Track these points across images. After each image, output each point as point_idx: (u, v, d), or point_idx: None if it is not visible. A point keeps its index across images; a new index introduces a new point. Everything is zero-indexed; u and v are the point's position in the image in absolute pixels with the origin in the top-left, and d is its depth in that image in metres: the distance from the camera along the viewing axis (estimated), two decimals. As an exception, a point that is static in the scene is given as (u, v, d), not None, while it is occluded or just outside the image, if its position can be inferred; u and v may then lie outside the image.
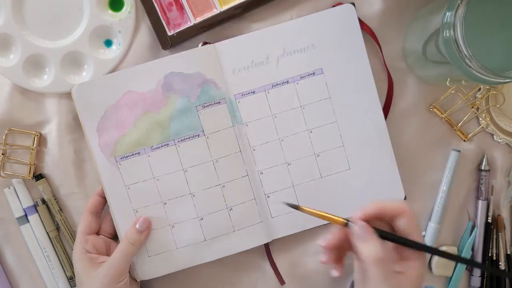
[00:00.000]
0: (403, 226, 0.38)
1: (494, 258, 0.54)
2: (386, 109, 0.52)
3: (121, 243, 0.48)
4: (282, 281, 0.53)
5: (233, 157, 0.50)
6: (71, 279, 0.53)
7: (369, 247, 0.37)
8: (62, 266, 0.53)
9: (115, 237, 0.52)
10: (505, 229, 0.54)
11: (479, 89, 0.53)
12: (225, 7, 0.50)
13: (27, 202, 0.53)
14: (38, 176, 0.52)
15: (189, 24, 0.51)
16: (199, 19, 0.51)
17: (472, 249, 0.54)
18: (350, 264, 0.44)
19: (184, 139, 0.50)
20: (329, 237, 0.41)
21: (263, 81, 0.51)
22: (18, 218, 0.53)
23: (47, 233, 0.53)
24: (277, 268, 0.53)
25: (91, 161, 0.52)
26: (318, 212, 0.41)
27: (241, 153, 0.51)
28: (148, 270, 0.51)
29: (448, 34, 0.42)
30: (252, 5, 0.50)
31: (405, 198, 0.52)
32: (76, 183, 0.52)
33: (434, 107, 0.53)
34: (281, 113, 0.51)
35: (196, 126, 0.50)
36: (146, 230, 0.49)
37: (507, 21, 0.42)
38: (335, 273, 0.43)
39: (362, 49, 0.50)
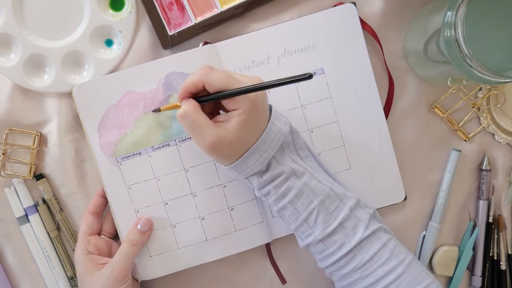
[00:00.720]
0: (210, 91, 0.41)
1: (495, 258, 0.54)
2: (386, 109, 0.52)
3: (123, 244, 0.48)
4: (283, 281, 0.53)
5: None
6: (71, 279, 0.53)
7: (179, 111, 0.42)
8: (63, 266, 0.53)
9: (116, 237, 0.52)
10: (506, 229, 0.54)
11: (480, 89, 0.53)
12: (225, 7, 0.50)
13: (28, 202, 0.52)
14: (39, 176, 0.52)
15: (190, 23, 0.51)
16: (199, 19, 0.51)
17: (473, 249, 0.54)
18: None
19: (185, 139, 0.50)
20: None
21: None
22: (19, 218, 0.53)
23: (48, 233, 0.53)
24: (278, 268, 0.53)
25: (91, 161, 0.52)
26: (172, 105, 0.46)
27: None
28: (150, 270, 0.51)
29: (449, 34, 0.42)
30: (253, 5, 0.50)
31: (405, 199, 0.52)
32: (77, 183, 0.52)
33: (435, 107, 0.53)
34: (282, 113, 0.51)
35: None
36: (148, 230, 0.49)
37: (508, 21, 0.42)
38: None
39: (363, 49, 0.50)
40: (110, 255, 0.50)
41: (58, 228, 0.53)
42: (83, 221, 0.49)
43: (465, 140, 0.54)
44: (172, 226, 0.51)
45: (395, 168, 0.52)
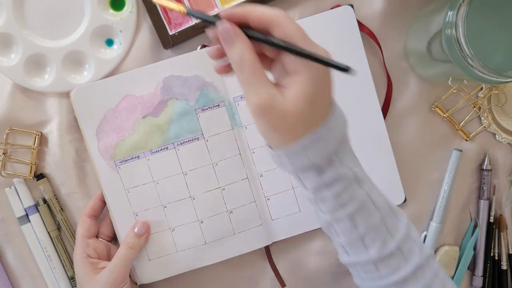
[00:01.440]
0: (276, 34, 0.32)
1: (496, 258, 0.54)
2: (385, 110, 0.52)
3: (121, 247, 0.48)
4: (282, 284, 0.53)
5: (233, 160, 0.50)
6: (72, 279, 0.53)
7: (231, 46, 0.32)
8: (63, 266, 0.53)
9: (114, 239, 0.52)
10: (507, 228, 0.54)
11: (481, 89, 0.53)
12: (226, 7, 0.50)
13: (28, 202, 0.52)
14: (39, 176, 0.52)
15: (191, 23, 0.51)
16: (200, 19, 0.50)
17: (474, 249, 0.54)
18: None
19: (184, 143, 0.50)
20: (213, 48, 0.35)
21: None
22: (19, 218, 0.53)
23: (48, 232, 0.53)
24: (277, 271, 0.53)
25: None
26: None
27: (241, 156, 0.51)
28: (149, 273, 0.51)
29: (450, 33, 0.42)
30: (254, 5, 0.50)
31: (405, 200, 0.52)
32: (77, 183, 0.52)
33: (436, 107, 0.53)
34: None
35: (195, 129, 0.50)
36: (145, 233, 0.49)
37: (509, 20, 0.42)
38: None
39: (361, 51, 0.50)
40: (109, 258, 0.50)
41: (59, 228, 0.53)
42: (81, 224, 0.49)
43: (466, 140, 0.54)
44: (171, 230, 0.51)
45: (394, 170, 0.51)
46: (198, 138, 0.50)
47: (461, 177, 0.54)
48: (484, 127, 0.53)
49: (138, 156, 0.50)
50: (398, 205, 0.52)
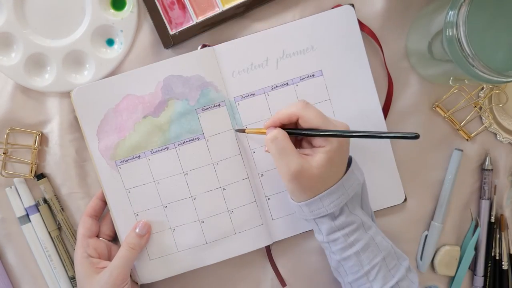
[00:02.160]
0: (302, 125, 0.43)
1: (497, 258, 0.54)
2: (385, 110, 0.52)
3: (122, 248, 0.48)
4: (283, 283, 0.53)
5: (234, 159, 0.50)
6: (72, 279, 0.53)
7: (269, 134, 0.43)
8: (64, 266, 0.53)
9: (114, 239, 0.52)
10: (508, 228, 0.54)
11: (482, 88, 0.53)
12: (227, 6, 0.50)
13: (29, 202, 0.52)
14: (40, 176, 0.52)
15: (191, 23, 0.51)
16: (201, 18, 0.50)
17: (475, 249, 0.54)
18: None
19: (184, 142, 0.50)
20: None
21: (262, 83, 0.50)
22: (20, 218, 0.52)
23: (49, 232, 0.53)
24: (278, 270, 0.53)
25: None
26: (257, 130, 0.47)
27: (242, 156, 0.51)
28: (149, 273, 0.51)
29: (451, 33, 0.42)
30: (254, 4, 0.50)
31: (405, 200, 0.52)
32: (78, 183, 0.52)
33: (437, 106, 0.53)
34: None
35: (196, 129, 0.50)
36: (146, 234, 0.49)
37: (510, 20, 0.42)
38: None
39: (361, 50, 0.50)
40: (109, 258, 0.50)
41: (59, 228, 0.53)
42: (82, 224, 0.49)
43: (467, 140, 0.54)
44: (171, 229, 0.51)
45: (394, 169, 0.51)
46: (198, 138, 0.50)
47: (462, 177, 0.54)
48: (485, 127, 0.53)
49: (139, 156, 0.50)
50: (398, 205, 0.52)
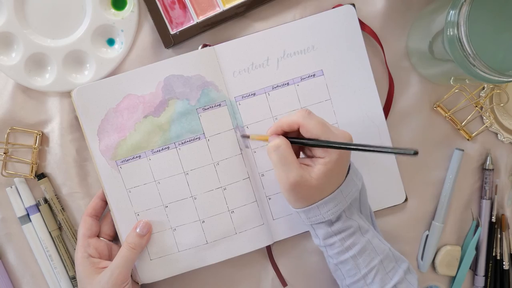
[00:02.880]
0: (303, 134, 0.43)
1: (498, 258, 0.54)
2: (386, 110, 0.52)
3: (122, 247, 0.48)
4: (284, 283, 0.53)
5: (234, 159, 0.50)
6: (73, 278, 0.53)
7: (271, 143, 0.43)
8: (64, 266, 0.53)
9: (115, 239, 0.52)
10: (509, 228, 0.54)
11: (483, 88, 0.53)
12: (227, 6, 0.50)
13: (29, 202, 0.52)
14: (40, 175, 0.52)
15: (192, 22, 0.50)
16: (201, 18, 0.50)
17: (476, 249, 0.54)
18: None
19: (185, 142, 0.50)
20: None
21: (263, 83, 0.50)
22: (20, 218, 0.52)
23: (49, 232, 0.53)
24: (279, 270, 0.53)
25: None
26: (261, 137, 0.48)
27: (242, 156, 0.50)
28: (150, 273, 0.51)
29: (452, 33, 0.42)
30: (255, 4, 0.50)
31: (406, 200, 0.52)
32: (78, 182, 0.52)
33: (438, 106, 0.53)
34: (281, 115, 0.51)
35: (196, 128, 0.50)
36: (146, 234, 0.49)
37: (511, 20, 0.42)
38: None
39: (362, 50, 0.50)
40: (110, 257, 0.50)
41: (60, 228, 0.53)
42: (82, 224, 0.49)
43: (468, 140, 0.53)
44: (172, 229, 0.50)
45: (395, 169, 0.51)
46: (199, 138, 0.50)
47: (463, 177, 0.54)
48: (486, 126, 0.53)
49: (140, 156, 0.50)
50: (399, 204, 0.52)
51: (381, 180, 0.52)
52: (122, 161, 0.50)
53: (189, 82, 0.49)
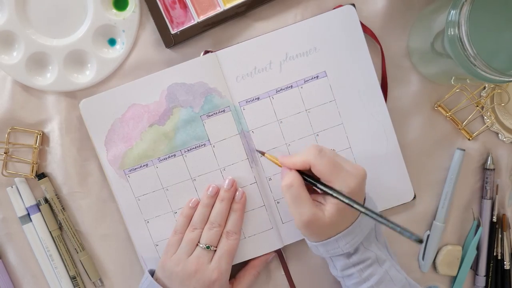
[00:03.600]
0: (314, 173, 0.43)
1: (499, 258, 0.54)
2: None
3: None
4: (293, 287, 0.53)
5: (241, 164, 0.50)
6: (74, 278, 0.53)
7: (283, 178, 0.44)
8: (65, 266, 0.53)
9: None
10: (510, 228, 0.54)
11: (484, 88, 0.53)
12: (228, 5, 0.50)
13: (30, 201, 0.52)
14: (41, 175, 0.52)
15: (193, 22, 0.50)
16: (202, 17, 0.50)
17: (477, 249, 0.54)
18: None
19: (191, 149, 0.50)
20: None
21: (267, 87, 0.50)
22: (21, 217, 0.52)
23: (50, 232, 0.53)
24: (289, 274, 0.53)
25: (93, 160, 0.52)
26: (274, 160, 0.48)
27: (249, 160, 0.50)
28: None
29: (452, 33, 0.42)
30: (256, 3, 0.50)
31: (414, 198, 0.52)
32: (79, 182, 0.52)
33: (439, 106, 0.53)
34: (286, 118, 0.51)
35: (201, 135, 0.50)
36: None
37: (512, 19, 0.42)
38: None
39: (364, 49, 0.50)
40: None
41: (60, 228, 0.53)
42: None
43: (469, 139, 0.53)
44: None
45: (402, 167, 0.51)
46: (204, 145, 0.50)
47: (464, 177, 0.54)
48: (487, 126, 0.53)
49: (147, 164, 0.50)
50: (408, 202, 0.52)
51: (389, 179, 0.51)
52: (130, 170, 0.50)
53: (192, 90, 0.50)
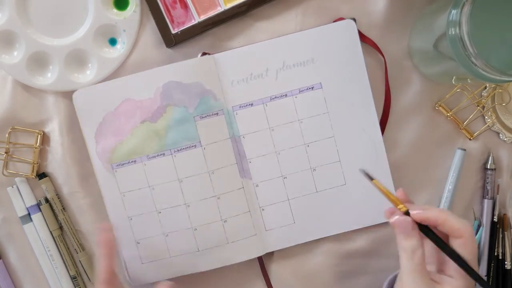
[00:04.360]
0: (456, 247, 0.38)
1: (500, 258, 0.54)
2: (383, 124, 0.52)
3: None
4: None
5: (229, 169, 0.50)
6: (74, 278, 0.53)
7: (407, 239, 0.38)
8: (66, 265, 0.53)
9: None
10: (511, 228, 0.54)
11: (485, 88, 0.53)
12: (229, 5, 0.50)
13: (30, 201, 0.52)
14: (41, 175, 0.52)
15: (193, 22, 0.50)
16: (203, 17, 0.50)
17: (478, 248, 0.54)
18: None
19: (181, 149, 0.50)
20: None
21: (261, 94, 0.50)
22: (21, 217, 0.52)
23: (50, 232, 0.53)
24: (269, 281, 0.52)
25: (94, 161, 0.52)
26: (386, 191, 0.41)
27: (237, 166, 0.50)
28: (141, 276, 0.51)
29: (453, 32, 0.41)
30: (257, 3, 0.50)
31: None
32: (79, 182, 0.52)
33: (440, 106, 0.53)
34: (278, 126, 0.51)
35: (193, 136, 0.50)
36: None
37: (513, 19, 0.42)
38: None
39: (361, 65, 0.50)
40: None
41: (61, 228, 0.53)
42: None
43: (470, 139, 0.53)
44: (164, 235, 0.51)
45: (389, 184, 0.51)
46: (195, 146, 0.50)
47: (464, 177, 0.53)
48: (488, 126, 0.53)
49: (135, 161, 0.50)
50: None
51: (376, 194, 0.49)
52: (117, 165, 0.50)
53: (187, 90, 0.49)
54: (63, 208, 0.53)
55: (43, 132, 0.52)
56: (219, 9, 0.50)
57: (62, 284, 0.53)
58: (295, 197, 0.51)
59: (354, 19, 0.50)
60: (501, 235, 0.54)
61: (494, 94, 0.53)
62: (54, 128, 0.52)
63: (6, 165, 0.52)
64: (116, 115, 0.50)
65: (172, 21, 0.51)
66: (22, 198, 0.52)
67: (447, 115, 0.53)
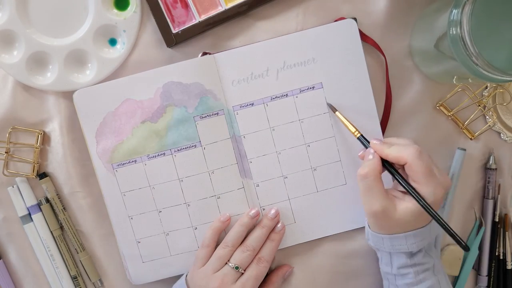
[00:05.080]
0: (406, 171, 0.42)
1: (501, 257, 0.54)
2: (383, 124, 0.52)
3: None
4: None
5: (230, 169, 0.50)
6: (75, 278, 0.53)
7: (363, 166, 0.43)
8: (66, 265, 0.53)
9: None
10: (512, 228, 0.54)
11: (486, 87, 0.53)
12: (230, 5, 0.50)
13: (31, 201, 0.52)
14: (42, 175, 0.52)
15: (194, 21, 0.50)
16: (204, 17, 0.50)
17: (479, 248, 0.54)
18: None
19: (181, 149, 0.50)
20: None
21: (262, 94, 0.50)
22: (22, 217, 0.52)
23: (51, 232, 0.53)
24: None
25: (94, 160, 0.52)
26: (346, 122, 0.48)
27: (238, 165, 0.50)
28: (142, 275, 0.51)
29: (454, 32, 0.41)
30: (257, 3, 0.50)
31: None
32: (80, 182, 0.52)
33: (441, 105, 0.53)
34: (279, 126, 0.51)
35: (193, 136, 0.50)
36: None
37: (514, 18, 0.42)
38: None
39: (362, 65, 0.50)
40: None
41: (61, 227, 0.53)
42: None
43: (471, 139, 0.53)
44: (165, 234, 0.51)
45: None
46: (195, 146, 0.50)
47: (466, 176, 0.53)
48: (489, 126, 0.53)
49: (135, 161, 0.50)
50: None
51: None
52: (118, 165, 0.50)
53: (187, 90, 0.49)
54: (64, 208, 0.53)
55: (44, 132, 0.52)
56: (219, 9, 0.50)
57: (63, 284, 0.53)
58: (295, 196, 0.51)
59: (355, 19, 0.50)
60: (502, 235, 0.54)
61: (495, 93, 0.53)
62: (54, 128, 0.52)
63: (6, 165, 0.52)
64: (117, 115, 0.50)
65: (172, 21, 0.50)
66: (22, 198, 0.52)
67: (448, 115, 0.53)
